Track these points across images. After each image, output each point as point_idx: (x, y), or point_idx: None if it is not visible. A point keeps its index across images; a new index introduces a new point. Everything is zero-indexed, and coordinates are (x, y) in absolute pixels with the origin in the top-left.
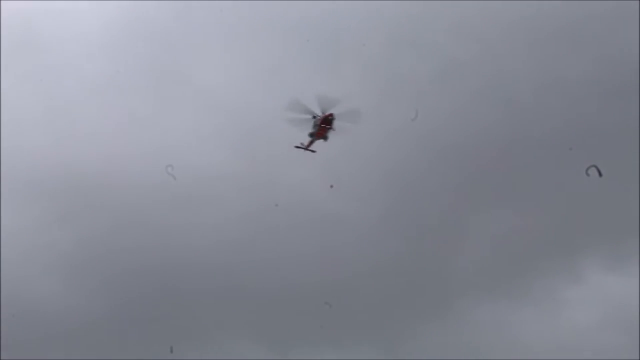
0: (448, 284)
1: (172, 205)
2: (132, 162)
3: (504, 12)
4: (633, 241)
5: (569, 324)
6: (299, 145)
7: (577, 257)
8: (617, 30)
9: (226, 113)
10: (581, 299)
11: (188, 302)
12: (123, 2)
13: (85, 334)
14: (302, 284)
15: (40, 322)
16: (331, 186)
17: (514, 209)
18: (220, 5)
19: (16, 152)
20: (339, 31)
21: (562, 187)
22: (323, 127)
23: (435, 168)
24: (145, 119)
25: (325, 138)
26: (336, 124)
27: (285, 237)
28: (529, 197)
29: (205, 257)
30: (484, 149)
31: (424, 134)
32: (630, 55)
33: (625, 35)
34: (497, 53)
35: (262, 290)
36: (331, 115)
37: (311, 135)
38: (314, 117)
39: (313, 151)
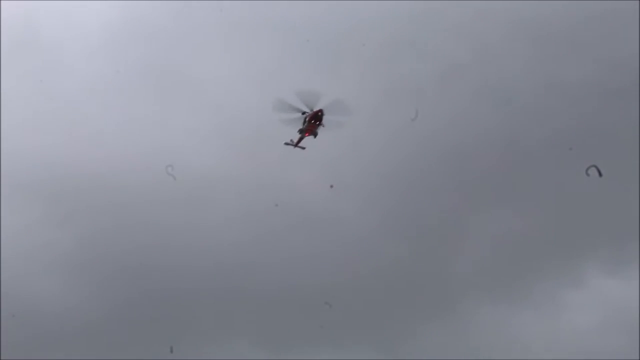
0: (449, 285)
1: (172, 206)
2: (132, 162)
3: (504, 13)
4: (633, 245)
5: (569, 327)
6: (289, 142)
7: (578, 260)
8: (618, 32)
9: (226, 113)
10: (581, 302)
11: (188, 302)
12: (123, 3)
13: (85, 334)
14: (302, 285)
15: (40, 322)
16: (331, 186)
17: (514, 210)
18: (220, 5)
19: (16, 153)
20: (339, 32)
21: (563, 189)
22: (313, 123)
23: (436, 169)
24: (145, 119)
25: (314, 134)
26: (325, 119)
27: (286, 238)
28: (530, 199)
29: (205, 258)
30: (484, 151)
31: (424, 135)
32: (630, 56)
33: (626, 36)
34: (497, 54)
35: (263, 291)
36: (320, 111)
37: (301, 131)
38: (303, 113)
39: (303, 148)
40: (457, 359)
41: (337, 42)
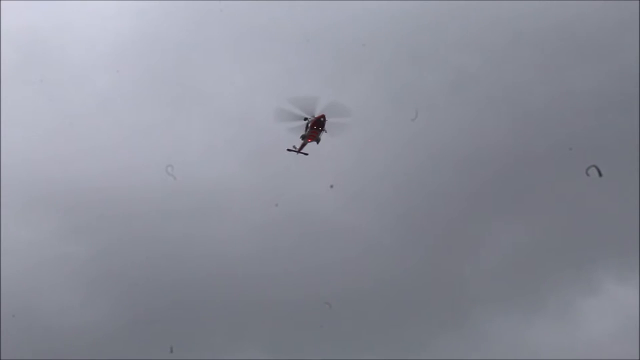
0: (462, 294)
1: (185, 218)
2: (145, 175)
3: (513, 23)
4: None
5: (584, 335)
6: (291, 148)
7: (591, 268)
8: (626, 41)
9: (238, 125)
10: (596, 310)
11: (203, 313)
12: (132, 16)
13: (100, 345)
14: (315, 295)
15: (55, 333)
16: (331, 186)
17: (527, 219)
18: (230, 18)
19: (30, 166)
20: (349, 43)
21: (576, 197)
22: (315, 129)
23: (448, 179)
24: (157, 132)
25: (317, 140)
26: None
27: (299, 248)
28: (542, 208)
29: (219, 269)
30: (496, 160)
31: (436, 145)
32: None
33: (635, 45)
34: (506, 64)
35: (276, 302)
36: (323, 117)
37: (303, 137)
38: (306, 119)
39: (305, 154)
40: None
41: (347, 53)
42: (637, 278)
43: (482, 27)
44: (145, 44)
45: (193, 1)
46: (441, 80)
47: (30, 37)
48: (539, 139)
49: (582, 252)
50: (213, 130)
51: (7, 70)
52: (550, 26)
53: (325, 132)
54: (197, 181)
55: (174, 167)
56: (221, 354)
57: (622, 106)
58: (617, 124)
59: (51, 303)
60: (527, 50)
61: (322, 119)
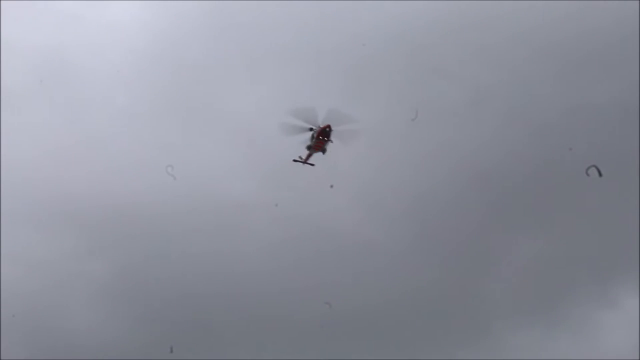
0: (483, 309)
1: (205, 234)
2: (164, 192)
3: (532, 36)
4: None
5: (606, 349)
6: (297, 159)
7: (612, 281)
8: None
9: (256, 142)
10: (617, 323)
11: (223, 330)
12: (151, 35)
13: None
14: (334, 310)
15: (76, 350)
16: (331, 186)
17: (547, 233)
18: (251, 34)
19: (50, 184)
20: (367, 57)
21: (595, 211)
22: (321, 139)
23: (467, 193)
24: (176, 149)
25: (323, 151)
26: (333, 135)
27: (318, 264)
28: (563, 222)
29: (239, 285)
30: (516, 174)
31: (454, 159)
32: None
33: None
34: (526, 77)
35: (296, 318)
36: (328, 127)
37: (309, 148)
38: (311, 129)
39: (312, 164)
40: None
41: (365, 68)
42: None
43: (501, 40)
44: (164, 62)
45: (211, 20)
46: (460, 94)
47: (48, 57)
48: (559, 152)
49: (602, 266)
50: (232, 147)
51: (26, 89)
52: (570, 38)
53: (332, 142)
54: (217, 198)
55: (173, 167)
56: None
57: None
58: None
59: (72, 320)
60: (547, 62)
61: (327, 129)
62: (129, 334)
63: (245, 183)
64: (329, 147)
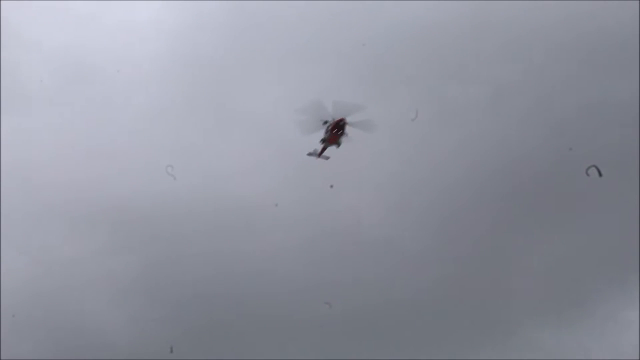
0: (506, 308)
1: (228, 233)
2: (184, 192)
3: (553, 33)
4: None
5: (632, 346)
6: (312, 152)
7: (636, 279)
8: None
9: (279, 140)
10: None
11: (249, 327)
12: (172, 34)
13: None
14: (357, 309)
15: (98, 348)
16: (331, 186)
17: (571, 230)
18: (270, 35)
19: (76, 184)
20: (388, 56)
21: (618, 207)
22: (335, 133)
23: (489, 191)
24: (199, 148)
25: (338, 144)
26: (349, 129)
27: (339, 263)
28: (587, 219)
29: (263, 283)
30: (538, 172)
31: (475, 157)
32: None
33: None
34: (546, 75)
35: (318, 317)
36: (342, 120)
37: (323, 141)
38: (326, 122)
39: (327, 158)
40: None
41: (385, 67)
42: None
43: (520, 38)
44: (182, 62)
45: (229, 20)
46: (480, 92)
47: (70, 60)
48: (581, 149)
49: (628, 263)
50: (251, 146)
51: (49, 91)
52: (590, 35)
53: (346, 135)
54: (237, 197)
55: (173, 167)
56: None
57: None
58: None
59: (98, 320)
60: (567, 59)
61: (341, 123)
62: (154, 331)
63: (268, 180)
64: (344, 140)
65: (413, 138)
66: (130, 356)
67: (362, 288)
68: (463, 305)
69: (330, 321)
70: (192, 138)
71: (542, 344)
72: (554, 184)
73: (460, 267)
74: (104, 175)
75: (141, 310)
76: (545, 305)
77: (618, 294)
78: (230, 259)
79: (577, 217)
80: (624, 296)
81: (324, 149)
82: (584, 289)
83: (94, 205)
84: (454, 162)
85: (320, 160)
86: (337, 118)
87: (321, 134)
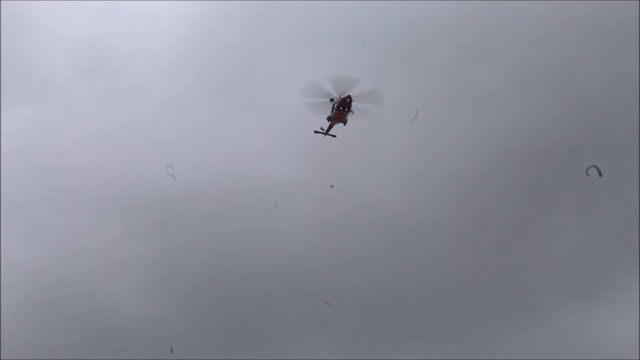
0: (537, 291)
1: (248, 214)
2: (207, 174)
3: (574, 12)
4: None
5: None
6: (319, 130)
7: None
8: None
9: (295, 124)
10: None
11: (269, 310)
12: (189, 20)
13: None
14: (381, 289)
15: (123, 335)
16: (331, 186)
17: (592, 210)
18: (286, 18)
19: (95, 171)
20: (409, 37)
21: None
22: (341, 110)
23: (512, 171)
24: (218, 132)
25: (344, 122)
26: (355, 106)
27: (361, 243)
28: (610, 198)
29: (284, 265)
30: (563, 153)
31: (498, 137)
32: None
33: None
34: (569, 56)
35: (342, 296)
36: (349, 97)
37: (329, 119)
38: (332, 100)
39: (333, 136)
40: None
41: (407, 48)
42: None
43: (544, 17)
44: (202, 47)
45: (248, 4)
46: (503, 74)
47: (90, 46)
48: (605, 131)
49: None
50: (272, 130)
51: (69, 78)
52: (615, 17)
53: (352, 113)
54: (259, 178)
55: (173, 167)
56: (290, 353)
57: None
58: None
59: (122, 304)
60: (600, 47)
61: (347, 100)
62: (175, 315)
63: (289, 162)
64: (350, 117)
65: (434, 120)
66: (151, 339)
67: (381, 266)
68: (485, 284)
69: (354, 301)
70: (212, 121)
71: (565, 325)
72: (578, 165)
73: (482, 248)
74: (124, 161)
75: (162, 294)
76: (567, 285)
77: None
78: (251, 239)
79: (599, 199)
80: None
81: (330, 127)
82: (604, 268)
83: (114, 192)
84: (475, 145)
85: (336, 140)
86: (343, 95)
87: (327, 111)
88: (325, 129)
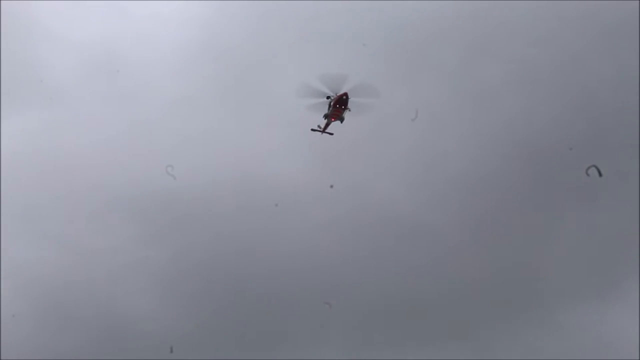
0: (543, 289)
1: (259, 216)
2: (215, 176)
3: (586, 16)
4: None
5: None
6: (316, 128)
7: None
8: None
9: (305, 125)
10: None
11: (278, 311)
12: (198, 24)
13: (177, 345)
14: (385, 290)
15: (137, 336)
16: (331, 186)
17: (602, 208)
18: (291, 22)
19: (102, 173)
20: (417, 38)
21: None
22: (338, 107)
23: (521, 172)
24: (226, 133)
25: (341, 119)
26: (351, 103)
27: (372, 245)
28: (618, 196)
29: (294, 268)
30: (572, 151)
31: (509, 140)
32: None
33: None
34: (575, 56)
35: (354, 301)
36: (345, 95)
37: (326, 117)
38: (328, 97)
39: (330, 134)
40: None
41: (415, 49)
42: None
43: (549, 19)
44: (209, 50)
45: (253, 6)
46: (511, 74)
47: (99, 48)
48: (612, 129)
49: None
50: (279, 129)
51: (78, 80)
52: (625, 18)
53: (349, 110)
54: (262, 178)
55: (173, 167)
56: (300, 354)
57: None
58: None
59: (130, 306)
60: (603, 45)
61: (344, 97)
62: (185, 315)
63: (299, 164)
64: (352, 117)
65: (446, 123)
66: (163, 340)
67: (385, 266)
68: (497, 284)
69: (363, 301)
70: (219, 122)
71: (576, 320)
72: (586, 163)
73: (493, 248)
74: (130, 164)
75: (173, 295)
76: (576, 282)
77: None
78: (261, 241)
79: (608, 195)
80: None
81: (327, 125)
82: (615, 267)
83: (120, 195)
84: (487, 146)
85: (339, 139)
86: (340, 93)
87: (324, 109)
88: (322, 127)
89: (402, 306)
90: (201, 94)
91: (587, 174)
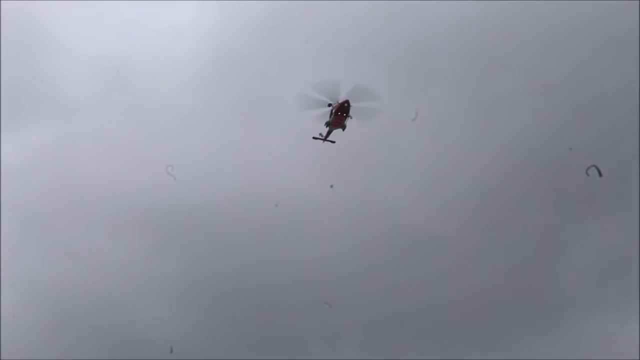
0: (555, 299)
1: (272, 230)
2: (227, 187)
3: (596, 28)
4: None
5: None
6: (317, 136)
7: None
8: None
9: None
10: None
11: (290, 319)
12: (211, 36)
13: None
14: (408, 301)
15: (145, 345)
16: (331, 186)
17: (615, 220)
18: (305, 33)
19: (116, 185)
20: (429, 52)
21: None
22: (339, 115)
23: (530, 181)
24: (239, 146)
25: (343, 127)
26: (361, 112)
27: (380, 254)
28: (631, 208)
29: (299, 273)
30: (582, 161)
31: (522, 150)
32: None
33: None
34: (589, 68)
35: (366, 307)
36: (347, 102)
37: (327, 124)
38: (329, 105)
39: (332, 142)
40: None
41: (423, 58)
42: None
43: (565, 33)
44: (222, 62)
45: (266, 19)
46: (522, 85)
47: (112, 61)
48: (626, 140)
49: None
50: (294, 141)
51: (91, 93)
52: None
53: (351, 117)
54: (283, 193)
55: (173, 167)
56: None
57: None
58: None
59: (140, 316)
60: (610, 54)
61: (346, 105)
62: (196, 325)
63: (313, 176)
64: (360, 125)
65: (456, 132)
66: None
67: (410, 281)
68: (511, 295)
69: (376, 307)
70: (233, 134)
71: (589, 333)
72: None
73: (507, 259)
74: (147, 175)
75: (185, 306)
76: (589, 293)
77: None
78: (273, 253)
79: (622, 206)
80: None
81: (329, 133)
82: (628, 278)
83: (136, 204)
84: (498, 155)
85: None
86: (341, 100)
87: (326, 117)
88: (324, 135)
89: (409, 315)
90: (213, 106)
91: (587, 174)
